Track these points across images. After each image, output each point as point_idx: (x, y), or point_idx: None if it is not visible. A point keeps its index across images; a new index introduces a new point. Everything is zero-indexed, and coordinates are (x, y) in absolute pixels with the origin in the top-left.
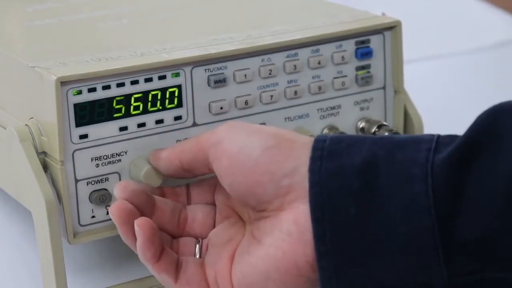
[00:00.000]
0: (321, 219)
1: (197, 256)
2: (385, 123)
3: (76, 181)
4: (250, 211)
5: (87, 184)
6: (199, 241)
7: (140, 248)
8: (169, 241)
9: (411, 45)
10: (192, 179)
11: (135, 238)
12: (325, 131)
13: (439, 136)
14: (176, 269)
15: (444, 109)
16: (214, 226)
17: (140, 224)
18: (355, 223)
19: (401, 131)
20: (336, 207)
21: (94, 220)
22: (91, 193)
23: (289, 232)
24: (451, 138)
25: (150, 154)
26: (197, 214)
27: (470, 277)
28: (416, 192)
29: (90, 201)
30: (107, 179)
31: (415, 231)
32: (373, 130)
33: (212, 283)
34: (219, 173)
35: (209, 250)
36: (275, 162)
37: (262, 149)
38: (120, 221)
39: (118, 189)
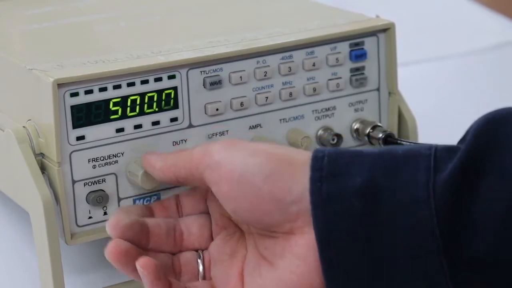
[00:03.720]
0: (326, 240)
1: (200, 270)
2: (379, 124)
3: (73, 182)
4: (252, 227)
5: (84, 185)
6: (200, 255)
7: (150, 287)
8: (170, 261)
9: (407, 48)
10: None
11: (138, 274)
12: (320, 132)
13: (436, 149)
14: None
15: (440, 111)
16: (211, 237)
17: (143, 265)
18: (361, 246)
19: (395, 132)
20: (340, 230)
21: (91, 220)
22: (88, 194)
23: (303, 257)
24: (449, 151)
25: (142, 157)
26: (192, 227)
27: None
28: (419, 215)
29: (87, 202)
30: (104, 180)
31: (420, 254)
32: (367, 131)
33: None
34: (220, 198)
35: (214, 267)
36: (279, 188)
37: (264, 176)
38: (120, 264)
39: (110, 228)
